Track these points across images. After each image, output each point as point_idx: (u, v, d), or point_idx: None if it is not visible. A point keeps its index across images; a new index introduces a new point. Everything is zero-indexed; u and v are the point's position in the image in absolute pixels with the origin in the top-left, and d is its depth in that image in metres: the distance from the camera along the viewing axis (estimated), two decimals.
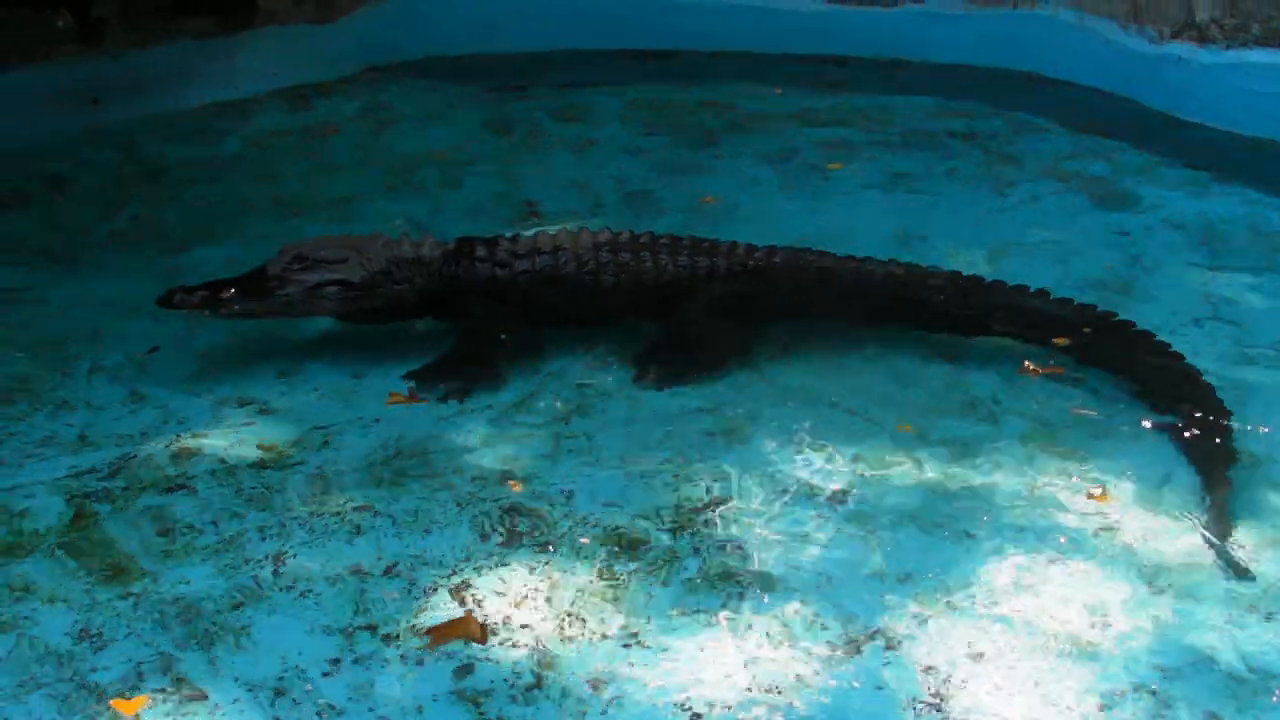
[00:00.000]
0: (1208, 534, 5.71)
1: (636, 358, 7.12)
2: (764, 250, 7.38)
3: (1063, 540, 5.66)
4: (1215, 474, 6.06)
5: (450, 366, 7.04)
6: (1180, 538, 5.67)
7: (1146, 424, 6.51)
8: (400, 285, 7.20)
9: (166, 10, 11.51)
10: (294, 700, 4.83)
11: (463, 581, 5.41)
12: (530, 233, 7.49)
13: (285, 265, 7.07)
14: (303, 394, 6.88)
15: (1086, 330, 7.04)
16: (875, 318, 7.33)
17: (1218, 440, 6.31)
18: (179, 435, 6.45)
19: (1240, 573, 5.49)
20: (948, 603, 5.29)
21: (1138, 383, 6.79)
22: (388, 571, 5.48)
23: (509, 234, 7.50)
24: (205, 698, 4.84)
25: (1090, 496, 5.99)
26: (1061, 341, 7.05)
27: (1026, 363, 7.06)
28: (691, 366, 7.03)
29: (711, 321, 7.21)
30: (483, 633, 5.14)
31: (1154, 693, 4.87)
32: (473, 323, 7.28)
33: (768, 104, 11.22)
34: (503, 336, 7.21)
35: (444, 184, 9.76)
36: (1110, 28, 11.34)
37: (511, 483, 6.05)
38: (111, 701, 4.83)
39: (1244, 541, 5.65)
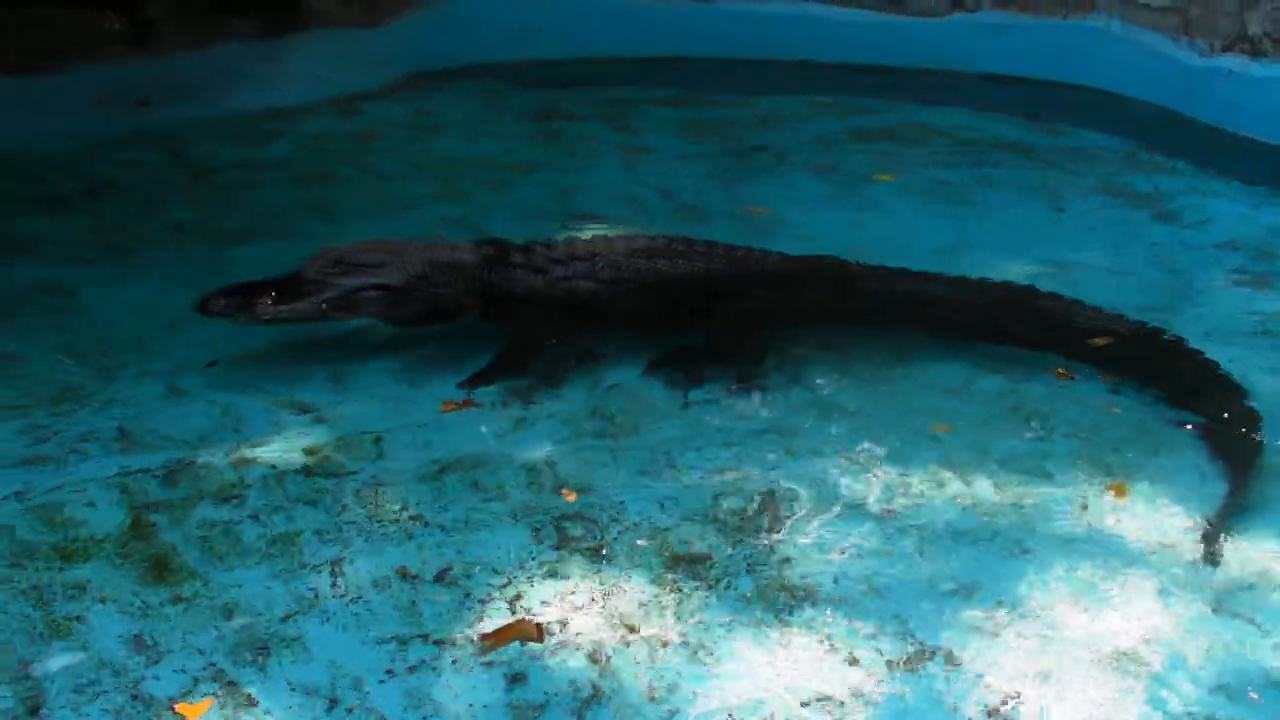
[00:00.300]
0: (1211, 521, 5.76)
1: (664, 363, 7.16)
2: (796, 257, 7.42)
3: (1119, 556, 5.60)
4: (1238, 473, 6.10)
5: (500, 372, 7.03)
6: (1240, 556, 5.60)
7: (1196, 438, 6.45)
8: (438, 289, 7.21)
9: (214, 13, 11.51)
10: (348, 709, 4.81)
11: (517, 589, 5.40)
12: (565, 238, 7.48)
13: (323, 269, 7.07)
14: (355, 399, 6.87)
15: (1124, 333, 7.06)
16: (906, 324, 7.36)
17: (1245, 441, 6.32)
18: (233, 440, 6.45)
19: (1211, 560, 5.54)
20: (1004, 618, 5.24)
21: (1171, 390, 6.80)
22: (441, 578, 5.46)
23: (543, 239, 7.48)
24: (257, 704, 4.83)
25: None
26: (1100, 342, 7.04)
27: (1059, 370, 7.05)
28: (719, 371, 7.05)
29: (744, 327, 7.25)
30: (539, 633, 5.12)
31: (1213, 716, 4.81)
32: (518, 329, 7.29)
33: (815, 113, 11.18)
34: (551, 341, 7.23)
35: (490, 189, 9.73)
36: (1160, 40, 11.28)
37: (564, 491, 6.03)
38: (177, 706, 4.82)
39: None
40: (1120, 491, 6.05)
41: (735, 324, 7.25)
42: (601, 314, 7.32)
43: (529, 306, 7.28)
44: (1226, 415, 6.48)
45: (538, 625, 5.18)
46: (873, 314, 7.36)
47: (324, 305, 7.05)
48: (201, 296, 6.98)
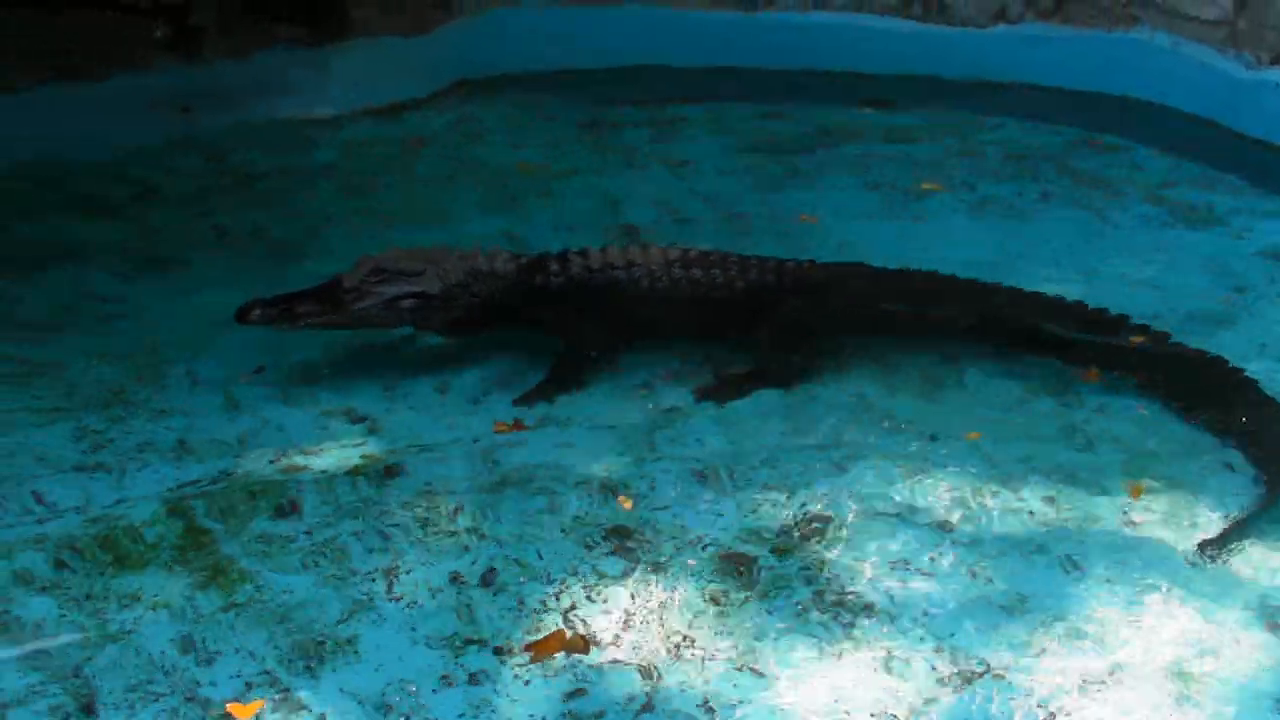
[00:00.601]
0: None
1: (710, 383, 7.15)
2: (831, 266, 7.52)
3: (1168, 569, 5.58)
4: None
5: (554, 389, 7.05)
6: None
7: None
8: (476, 297, 7.25)
9: (260, 20, 11.53)
10: (403, 715, 4.83)
11: (569, 598, 5.41)
12: (600, 248, 7.49)
13: (362, 278, 7.10)
14: (405, 408, 6.90)
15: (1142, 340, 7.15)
16: (946, 331, 7.40)
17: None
18: (283, 447, 6.48)
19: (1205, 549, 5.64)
20: (1056, 634, 5.23)
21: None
22: (494, 587, 5.47)
23: (578, 249, 7.50)
24: (311, 711, 4.85)
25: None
26: (1137, 340, 7.11)
27: (1093, 369, 7.10)
28: (754, 381, 7.08)
29: (783, 337, 7.25)
30: (585, 644, 5.13)
31: None
32: (562, 341, 7.32)
33: (858, 123, 11.11)
34: (596, 353, 7.25)
35: (535, 198, 9.72)
36: (1206, 53, 11.16)
37: (620, 498, 6.03)
38: (228, 706, 4.86)
39: None
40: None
41: (780, 333, 7.26)
42: (639, 323, 7.37)
43: (566, 315, 7.32)
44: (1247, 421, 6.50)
45: (582, 636, 5.17)
46: (916, 322, 7.41)
47: (363, 313, 7.09)
48: (241, 305, 7.01)
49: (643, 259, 7.36)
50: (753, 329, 7.31)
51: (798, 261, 7.53)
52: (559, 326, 7.36)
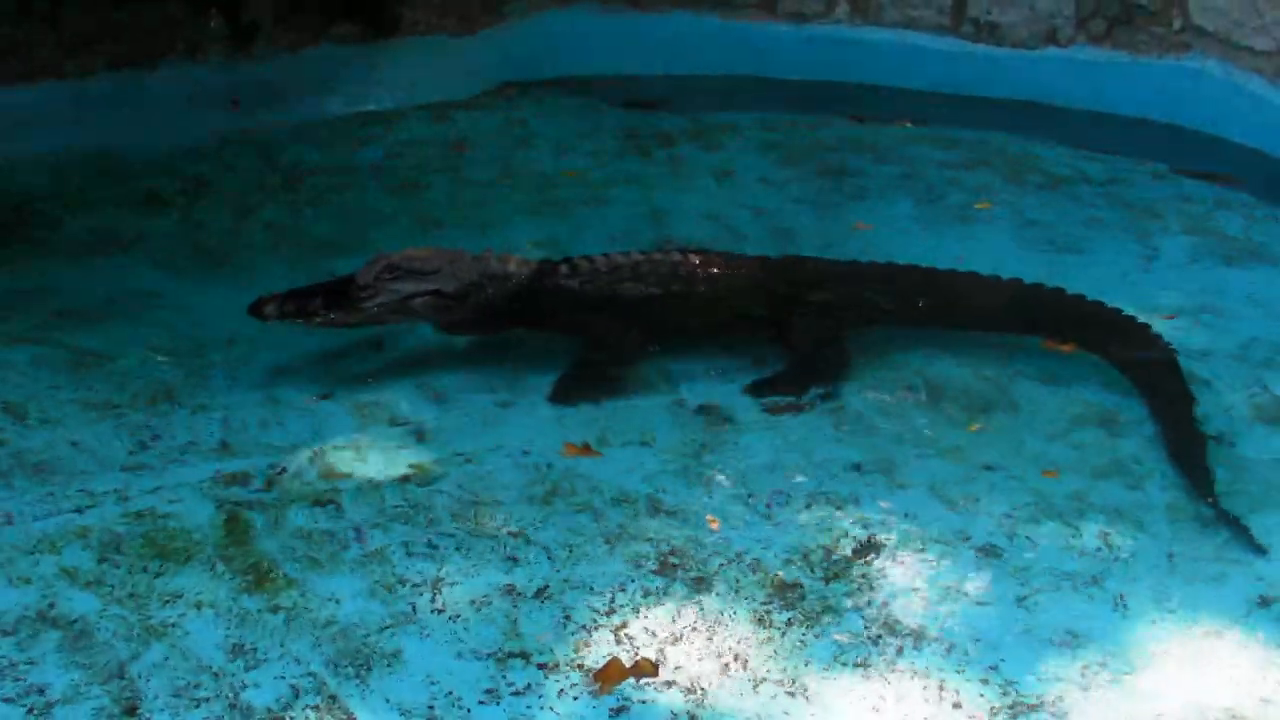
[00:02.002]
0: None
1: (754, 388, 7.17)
2: (843, 262, 7.71)
3: (1224, 612, 5.51)
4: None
5: (585, 381, 7.13)
6: None
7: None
8: (490, 297, 7.30)
9: (313, 18, 11.55)
10: None
11: (617, 615, 5.39)
12: (606, 253, 7.56)
13: (377, 275, 7.15)
14: (449, 413, 6.90)
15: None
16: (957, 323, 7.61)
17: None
18: (327, 449, 6.49)
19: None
20: (1106, 672, 5.16)
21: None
22: (541, 599, 5.46)
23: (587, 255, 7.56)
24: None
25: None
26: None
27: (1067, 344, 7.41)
28: (792, 381, 7.16)
29: (809, 336, 7.36)
30: (654, 669, 5.10)
31: None
32: (586, 340, 7.41)
33: (904, 139, 11.07)
34: (612, 352, 7.36)
35: (580, 205, 9.73)
36: (1258, 82, 11.06)
37: (663, 516, 6.01)
38: None
39: None
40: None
41: (806, 332, 7.37)
42: (657, 324, 7.44)
43: (580, 315, 7.41)
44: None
45: (650, 660, 5.16)
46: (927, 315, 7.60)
47: (376, 310, 7.15)
48: (256, 300, 7.09)
49: (650, 262, 7.44)
50: (777, 329, 7.43)
51: (812, 259, 7.75)
52: (575, 326, 7.44)
